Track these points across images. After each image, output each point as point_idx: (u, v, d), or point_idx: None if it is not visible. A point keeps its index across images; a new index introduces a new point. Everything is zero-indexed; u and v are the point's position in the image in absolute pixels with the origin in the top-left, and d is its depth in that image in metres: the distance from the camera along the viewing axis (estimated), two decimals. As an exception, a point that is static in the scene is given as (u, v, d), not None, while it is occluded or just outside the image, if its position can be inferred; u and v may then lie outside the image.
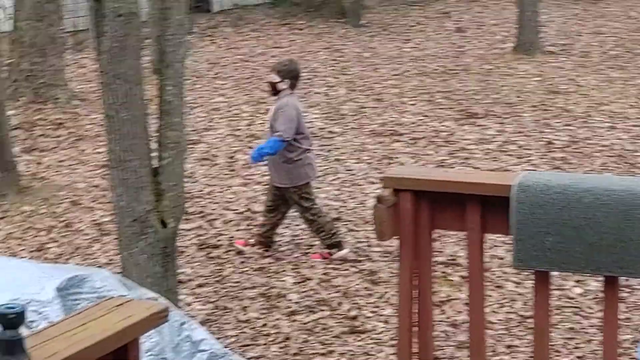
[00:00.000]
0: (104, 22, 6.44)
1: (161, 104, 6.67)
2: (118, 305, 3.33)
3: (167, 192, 6.64)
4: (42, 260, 9.08)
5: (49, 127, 14.22)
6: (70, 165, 12.33)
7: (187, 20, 6.89)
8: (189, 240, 9.59)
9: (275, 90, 9.03)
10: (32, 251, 9.39)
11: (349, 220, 9.94)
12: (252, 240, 9.27)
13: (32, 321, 4.88)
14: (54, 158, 12.66)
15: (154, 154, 6.76)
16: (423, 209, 4.34)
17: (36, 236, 9.81)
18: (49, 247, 9.50)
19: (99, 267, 8.82)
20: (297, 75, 9.18)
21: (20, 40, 15.66)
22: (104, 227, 9.88)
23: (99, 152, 12.15)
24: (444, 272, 8.52)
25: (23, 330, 3.79)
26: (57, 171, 12.09)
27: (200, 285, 8.55)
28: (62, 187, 11.41)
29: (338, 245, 8.99)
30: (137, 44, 6.53)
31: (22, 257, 9.15)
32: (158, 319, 3.35)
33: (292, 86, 9.01)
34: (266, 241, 9.18)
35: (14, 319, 2.78)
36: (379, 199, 4.29)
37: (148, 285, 6.40)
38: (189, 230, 9.79)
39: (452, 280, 8.40)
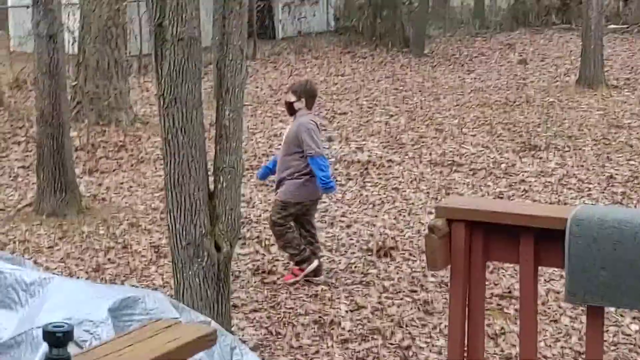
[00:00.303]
0: (165, 47, 6.50)
1: (219, 129, 6.70)
2: (166, 327, 3.33)
3: (222, 216, 6.66)
4: (99, 280, 9.15)
5: (110, 149, 14.38)
6: (130, 187, 12.44)
7: (246, 45, 6.92)
8: (244, 264, 9.61)
9: (291, 110, 9.11)
10: (89, 271, 9.46)
11: (405, 250, 9.90)
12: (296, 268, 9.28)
13: (84, 340, 4.91)
14: (114, 180, 12.79)
15: (210, 178, 6.80)
16: (476, 240, 4.30)
17: (94, 257, 9.88)
18: (107, 268, 9.56)
19: (154, 289, 8.87)
20: (313, 95, 9.25)
21: (86, 62, 15.90)
22: (161, 250, 9.94)
23: (159, 175, 12.24)
24: (499, 305, 8.44)
25: (73, 349, 3.82)
26: (117, 193, 12.21)
27: (254, 310, 8.54)
28: (121, 208, 11.51)
29: (307, 260, 9.07)
30: (197, 69, 6.57)
31: (79, 277, 9.23)
32: (206, 342, 3.35)
33: (308, 105, 9.09)
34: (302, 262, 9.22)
35: (61, 337, 2.80)
36: (431, 229, 4.26)
37: (200, 309, 6.42)
38: (245, 255, 9.81)
39: (507, 313, 8.31)
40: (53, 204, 11.14)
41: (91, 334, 4.98)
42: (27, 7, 17.86)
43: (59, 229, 10.70)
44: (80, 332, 4.94)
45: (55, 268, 9.48)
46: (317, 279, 9.13)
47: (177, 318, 5.32)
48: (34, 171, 11.96)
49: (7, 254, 6.04)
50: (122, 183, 12.64)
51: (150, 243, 10.28)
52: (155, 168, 12.88)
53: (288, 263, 9.60)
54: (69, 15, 17.25)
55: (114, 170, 13.27)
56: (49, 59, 11.06)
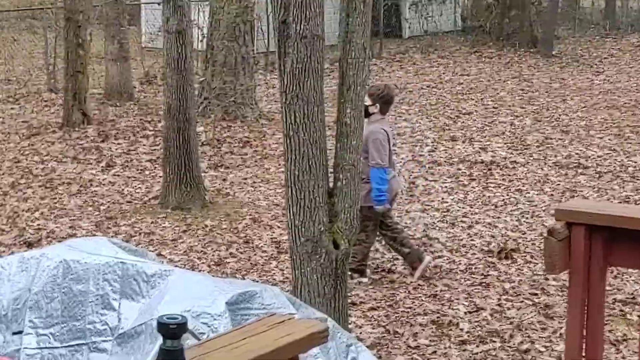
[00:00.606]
0: (289, 44, 6.55)
1: (339, 126, 6.72)
2: (280, 323, 3.36)
3: (341, 213, 6.68)
4: (220, 274, 9.28)
5: (236, 144, 14.56)
6: (253, 182, 12.58)
7: (370, 44, 6.92)
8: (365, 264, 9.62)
9: (366, 113, 8.94)
10: (211, 265, 9.60)
11: (527, 252, 9.77)
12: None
13: (202, 333, 4.99)
14: (238, 175, 12.94)
15: (330, 176, 6.82)
16: (596, 244, 4.22)
17: (216, 250, 10.02)
18: (228, 262, 9.69)
19: (274, 284, 8.95)
20: (388, 101, 9.20)
21: (213, 59, 16.12)
22: (282, 245, 10.01)
23: (282, 171, 12.31)
24: (622, 311, 8.26)
25: (191, 341, 3.89)
26: (240, 188, 12.35)
27: (372, 309, 8.55)
28: (244, 203, 11.64)
29: (360, 272, 9.08)
30: (319, 66, 6.60)
31: (201, 270, 9.37)
32: (318, 338, 3.36)
33: (382, 111, 9.09)
34: (358, 269, 9.16)
35: (175, 329, 2.84)
36: (551, 232, 4.19)
37: (317, 305, 6.44)
38: (365, 253, 9.80)
39: (630, 319, 8.13)
40: (178, 197, 11.33)
41: (209, 326, 5.05)
42: (158, 3, 18.22)
43: (183, 222, 10.88)
44: (199, 325, 5.02)
45: (179, 261, 9.65)
46: (363, 279, 9.08)
47: (293, 314, 5.36)
48: (160, 165, 12.19)
49: (131, 245, 6.17)
50: (246, 178, 12.78)
51: (272, 238, 10.38)
52: (279, 164, 12.99)
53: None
54: (198, 12, 17.53)
55: (238, 166, 13.43)
56: (177, 55, 11.25)
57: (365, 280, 9.13)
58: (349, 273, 8.81)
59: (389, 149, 9.08)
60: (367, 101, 8.91)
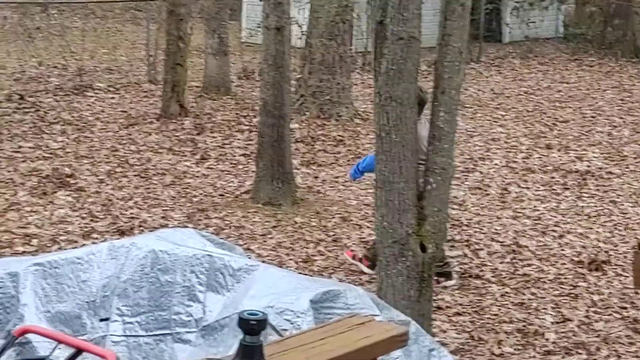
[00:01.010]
0: (385, 45, 6.55)
1: (432, 129, 6.70)
2: (359, 324, 3.38)
3: (429, 217, 6.65)
4: (307, 271, 9.32)
5: (329, 142, 14.60)
6: (345, 181, 12.59)
7: (467, 48, 6.88)
8: (451, 267, 9.57)
9: None
10: (299, 262, 9.64)
11: (618, 265, 9.62)
12: (360, 255, 9.44)
13: (284, 329, 5.01)
14: (330, 173, 12.97)
15: (420, 178, 6.80)
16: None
17: (305, 247, 10.07)
18: (315, 260, 9.72)
19: (361, 284, 8.96)
20: (420, 103, 8.68)
21: (311, 57, 16.18)
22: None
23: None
24: None
25: (274, 336, 3.91)
26: (331, 186, 12.38)
27: (457, 314, 8.50)
28: (334, 202, 11.67)
29: (447, 275, 9.12)
30: (414, 68, 6.59)
31: (289, 267, 9.42)
32: (398, 342, 3.38)
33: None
34: (373, 259, 9.04)
35: (254, 325, 2.88)
36: (640, 246, 4.12)
37: (401, 308, 6.43)
38: (453, 257, 9.76)
39: None
40: (269, 193, 11.40)
41: (292, 323, 5.08)
42: None
43: (273, 217, 10.95)
44: (281, 321, 5.05)
45: (267, 256, 9.71)
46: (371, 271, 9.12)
47: (376, 315, 5.36)
48: (253, 160, 12.28)
49: (219, 239, 6.23)
50: (337, 177, 12.81)
51: (360, 238, 10.38)
52: (372, 164, 12.99)
53: (496, 268, 9.52)
54: (298, 10, 17.63)
55: (330, 164, 13.46)
56: (275, 51, 11.31)
57: (452, 282, 9.11)
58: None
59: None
60: None
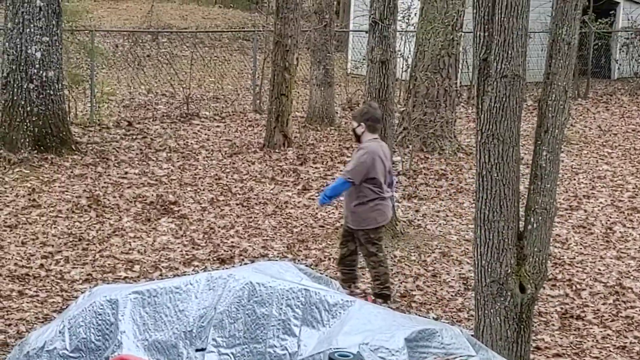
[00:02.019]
0: (488, 82, 6.50)
1: (534, 168, 6.62)
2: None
3: (529, 257, 6.57)
4: (405, 306, 9.26)
5: (431, 176, 14.53)
6: (446, 216, 12.52)
7: (571, 86, 6.78)
8: (552, 307, 9.42)
9: (356, 136, 9.34)
10: (397, 296, 9.59)
11: None
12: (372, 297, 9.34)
13: (379, 367, 4.99)
14: (432, 207, 12.91)
15: (521, 218, 6.71)
16: None
17: (403, 282, 10.02)
18: (414, 294, 9.66)
19: (458, 321, 8.88)
20: (373, 119, 9.22)
21: (415, 90, 16.17)
22: (469, 282, 9.91)
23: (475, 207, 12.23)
24: None
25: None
26: (432, 220, 12.31)
27: (557, 355, 8.35)
28: (435, 236, 11.60)
29: (385, 298, 9.15)
30: (518, 106, 6.53)
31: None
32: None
33: (371, 129, 9.21)
34: (345, 277, 9.34)
35: (345, 366, 2.87)
36: None
37: (499, 349, 6.35)
38: (554, 297, 9.61)
39: None
40: (370, 225, 11.37)
41: (386, 361, 5.05)
42: (365, 32, 18.43)
43: (373, 251, 10.91)
44: (376, 359, 5.02)
45: (365, 289, 9.68)
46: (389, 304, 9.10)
47: (472, 356, 5.30)
48: (355, 192, 12.27)
49: (315, 272, 6.23)
50: (438, 211, 12.74)
51: (460, 274, 10.29)
52: (473, 199, 12.85)
53: (598, 309, 9.34)
54: (404, 43, 17.63)
55: (432, 198, 13.40)
56: (379, 84, 11.33)
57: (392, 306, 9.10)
58: (376, 299, 9.03)
59: (383, 168, 9.20)
60: (354, 124, 9.29)
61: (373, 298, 9.22)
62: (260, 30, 20.99)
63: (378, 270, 9.23)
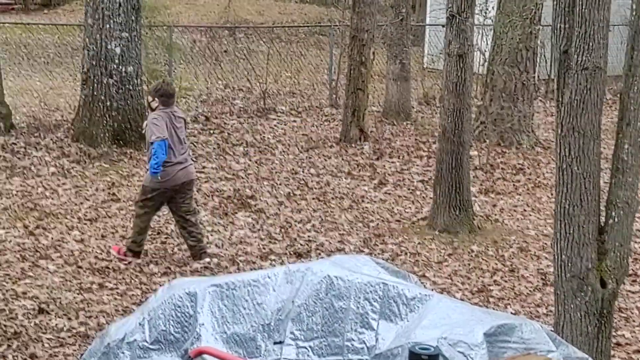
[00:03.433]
0: (569, 74, 6.42)
1: (615, 162, 6.52)
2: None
3: (610, 251, 6.47)
4: (483, 301, 9.21)
5: (508, 171, 14.41)
6: (523, 211, 12.41)
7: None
8: (632, 302, 9.30)
9: (151, 109, 10.03)
10: (474, 291, 9.54)
11: None
12: (124, 249, 10.04)
13: (457, 361, 4.96)
14: (509, 202, 12.80)
15: (602, 212, 6.62)
16: None
17: (480, 277, 9.95)
18: (491, 289, 9.60)
19: (537, 316, 8.80)
20: (166, 94, 9.95)
21: (493, 83, 16.04)
22: (548, 277, 9.82)
23: (554, 202, 12.10)
24: None
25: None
26: (510, 215, 12.22)
27: (637, 351, 8.24)
28: (512, 231, 11.51)
29: (134, 253, 9.96)
30: (599, 99, 6.43)
31: (464, 295, 9.33)
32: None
33: (164, 103, 9.92)
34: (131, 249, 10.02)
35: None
36: None
37: (579, 344, 6.28)
38: (634, 292, 9.48)
39: None
40: (447, 220, 11.34)
41: (465, 356, 5.01)
42: (442, 25, 18.32)
43: (450, 245, 10.88)
44: (455, 353, 4.99)
45: (442, 284, 9.65)
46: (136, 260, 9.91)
47: (552, 351, 5.24)
48: (431, 186, 12.23)
49: (393, 266, 6.21)
50: (516, 206, 12.63)
51: (538, 269, 10.20)
52: (551, 194, 12.74)
53: (680, 307, 9.19)
54: (481, 36, 17.49)
55: (509, 193, 13.29)
56: (457, 78, 11.27)
57: (138, 261, 9.90)
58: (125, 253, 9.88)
59: (175, 134, 9.84)
60: (150, 99, 10.06)
61: (124, 250, 10.00)
62: (337, 25, 20.99)
63: (134, 222, 10.03)
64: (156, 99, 9.94)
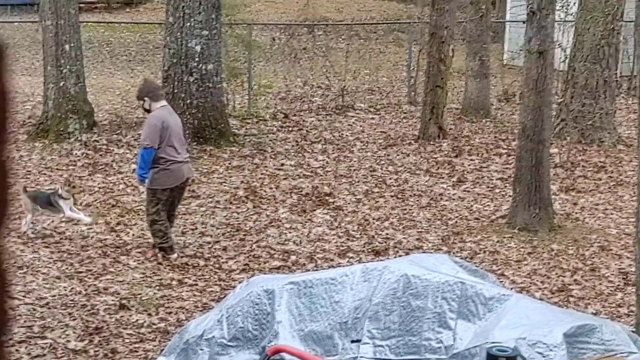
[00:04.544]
0: (651, 72, 6.32)
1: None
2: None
3: (694, 252, 6.37)
4: (562, 301, 9.10)
5: (590, 169, 14.23)
6: (605, 209, 12.24)
7: None
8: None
9: (147, 111, 9.91)
10: (554, 290, 9.43)
11: None
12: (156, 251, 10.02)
13: (536, 362, 4.91)
14: (590, 200, 12.64)
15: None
16: None
17: (560, 276, 9.84)
18: (571, 289, 9.48)
19: (618, 316, 8.67)
20: (151, 89, 9.97)
21: (574, 80, 15.86)
22: (629, 277, 9.67)
23: (636, 200, 11.92)
24: None
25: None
26: (591, 214, 12.06)
27: None
28: (593, 230, 11.36)
29: (165, 250, 9.89)
30: (683, 97, 6.33)
31: (543, 295, 9.23)
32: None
33: (155, 98, 9.86)
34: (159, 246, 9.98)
35: (502, 361, 2.83)
36: None
37: (661, 346, 6.17)
38: None
39: None
40: (526, 218, 11.23)
41: (544, 356, 4.97)
42: (523, 22, 18.15)
43: (529, 244, 10.77)
44: (534, 354, 4.95)
45: (521, 282, 9.56)
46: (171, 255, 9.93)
47: (634, 352, 5.17)
48: (511, 184, 12.13)
49: (472, 265, 6.17)
50: (597, 204, 12.47)
51: (620, 269, 10.05)
52: (634, 192, 12.54)
53: None
54: (562, 33, 17.29)
55: (590, 191, 13.12)
56: (537, 75, 11.16)
57: (174, 256, 9.86)
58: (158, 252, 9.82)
59: (169, 135, 9.72)
60: (140, 103, 9.98)
61: (156, 252, 9.94)
62: (416, 22, 20.92)
63: (153, 228, 9.89)
64: (145, 99, 9.88)
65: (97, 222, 11.01)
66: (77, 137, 14.37)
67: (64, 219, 10.64)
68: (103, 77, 19.82)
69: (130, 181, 12.64)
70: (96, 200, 11.85)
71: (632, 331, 6.20)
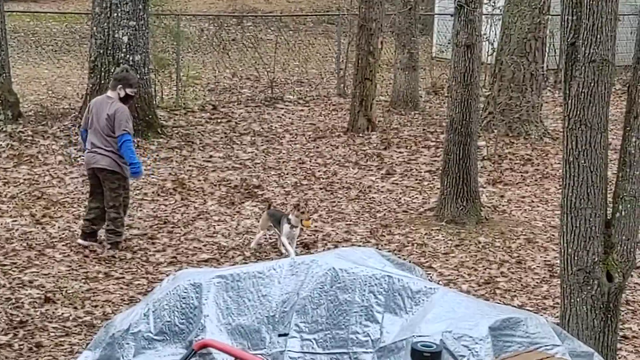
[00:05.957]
0: (576, 67, 6.38)
1: (623, 155, 6.48)
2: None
3: (617, 245, 6.44)
4: (489, 293, 9.19)
5: (516, 161, 14.38)
6: (531, 202, 12.38)
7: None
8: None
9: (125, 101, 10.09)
10: (481, 283, 9.52)
11: None
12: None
13: (462, 355, 4.93)
14: (516, 193, 12.77)
15: (609, 205, 6.59)
16: None
17: (487, 268, 9.93)
18: (498, 281, 9.58)
19: (543, 308, 8.78)
20: (117, 79, 10.06)
21: (501, 74, 16.00)
22: (555, 269, 9.80)
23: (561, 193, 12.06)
24: None
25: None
26: (517, 206, 12.19)
27: (644, 345, 8.22)
28: (520, 222, 11.48)
29: (118, 244, 9.94)
30: (607, 92, 6.39)
31: (470, 287, 9.31)
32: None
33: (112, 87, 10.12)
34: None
35: (427, 357, 2.83)
36: None
37: (585, 338, 6.25)
38: (642, 285, 9.45)
39: None
40: (454, 211, 11.32)
41: (469, 350, 4.99)
42: (451, 15, 18.26)
43: (457, 236, 10.86)
44: (459, 347, 4.97)
45: (448, 275, 9.63)
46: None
47: (558, 345, 5.22)
48: (439, 176, 12.21)
49: (398, 258, 6.19)
50: (524, 197, 12.60)
51: (545, 261, 10.17)
52: (560, 185, 12.70)
53: (687, 300, 9.15)
54: (490, 26, 17.43)
55: (517, 184, 13.26)
56: (465, 68, 11.24)
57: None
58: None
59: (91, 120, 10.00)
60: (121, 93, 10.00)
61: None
62: (345, 14, 20.94)
63: (116, 223, 9.95)
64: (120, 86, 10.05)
65: (22, 214, 10.85)
66: (2, 128, 14.15)
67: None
68: (28, 67, 19.53)
69: (56, 173, 12.48)
70: (21, 192, 11.68)
71: (557, 324, 6.28)
